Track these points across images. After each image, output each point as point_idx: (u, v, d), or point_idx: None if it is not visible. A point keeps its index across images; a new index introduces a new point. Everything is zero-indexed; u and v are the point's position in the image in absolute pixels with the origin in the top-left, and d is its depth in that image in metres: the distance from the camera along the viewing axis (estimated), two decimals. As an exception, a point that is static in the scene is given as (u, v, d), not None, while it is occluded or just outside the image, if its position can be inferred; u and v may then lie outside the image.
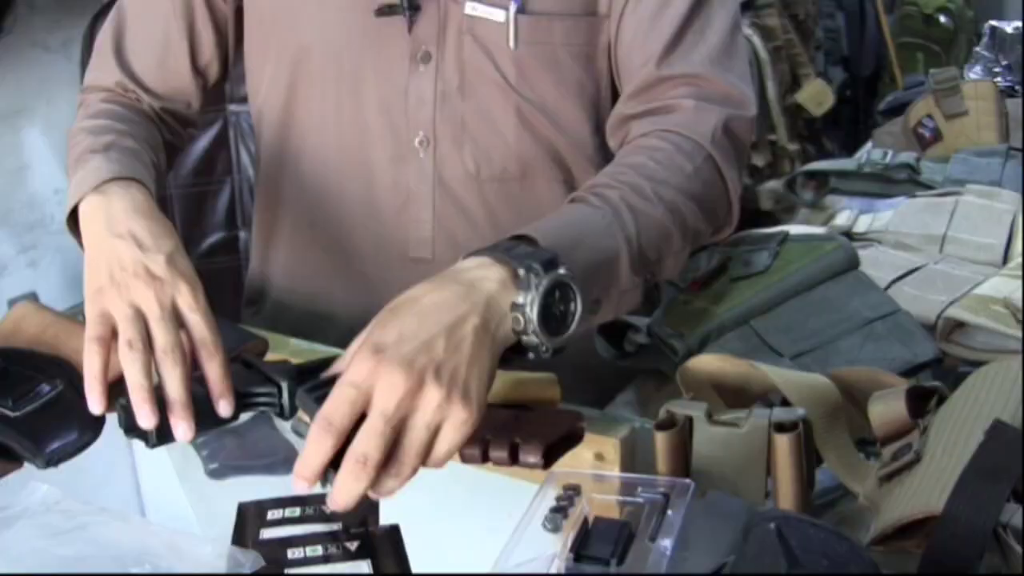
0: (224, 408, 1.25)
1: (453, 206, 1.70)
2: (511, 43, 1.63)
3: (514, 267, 1.19)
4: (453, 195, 1.69)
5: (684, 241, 1.47)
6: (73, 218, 1.50)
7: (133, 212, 1.40)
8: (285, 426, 1.42)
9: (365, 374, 1.08)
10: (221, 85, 1.91)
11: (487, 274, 1.19)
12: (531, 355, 1.21)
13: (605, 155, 1.73)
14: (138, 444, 1.57)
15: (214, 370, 1.27)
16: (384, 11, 1.63)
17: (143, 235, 1.36)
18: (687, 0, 1.60)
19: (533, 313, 1.17)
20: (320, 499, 1.22)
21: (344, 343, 1.20)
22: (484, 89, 1.66)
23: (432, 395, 1.08)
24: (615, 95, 1.70)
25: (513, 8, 1.61)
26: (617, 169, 1.49)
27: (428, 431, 1.08)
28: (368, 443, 1.05)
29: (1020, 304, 1.57)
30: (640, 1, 1.62)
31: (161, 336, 1.27)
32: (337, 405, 1.07)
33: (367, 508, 1.17)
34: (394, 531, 1.17)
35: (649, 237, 1.41)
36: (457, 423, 1.09)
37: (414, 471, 1.08)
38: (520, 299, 1.18)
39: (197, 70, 1.78)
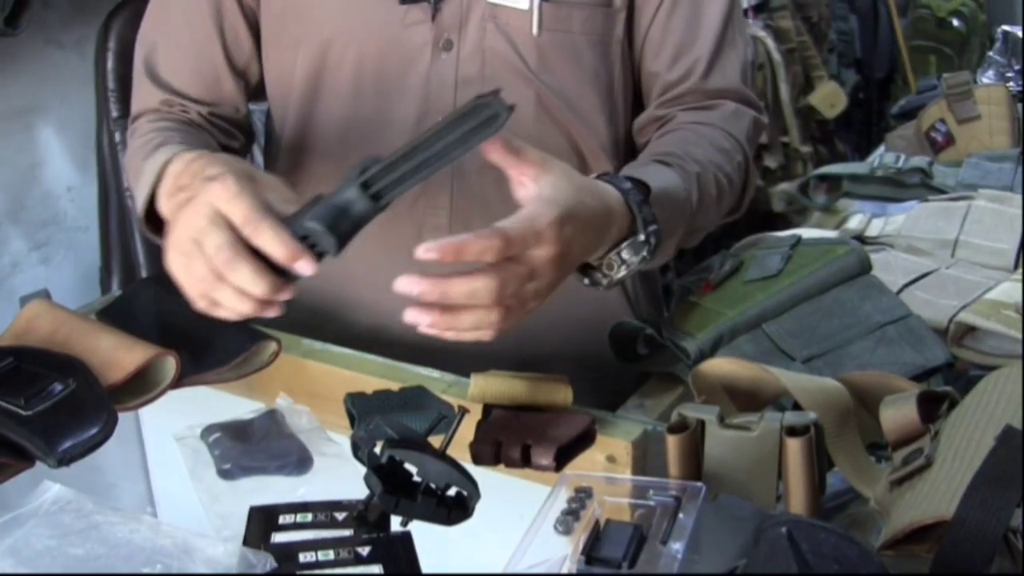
0: (304, 267, 1.24)
1: (470, 193, 1.70)
2: (535, 30, 1.65)
3: (639, 231, 1.40)
4: (470, 182, 1.70)
5: (708, 225, 1.63)
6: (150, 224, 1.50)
7: (180, 173, 1.39)
8: (298, 426, 1.42)
9: (547, 240, 1.25)
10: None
11: (621, 221, 1.39)
12: (585, 280, 1.44)
13: (617, 145, 1.77)
14: (150, 443, 1.59)
15: (267, 240, 1.24)
16: None
17: (187, 179, 1.36)
18: (719, 16, 1.70)
19: (621, 271, 1.41)
20: (330, 505, 1.22)
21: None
22: (505, 76, 1.67)
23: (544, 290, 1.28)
24: (625, 85, 1.75)
25: None
26: (693, 141, 1.62)
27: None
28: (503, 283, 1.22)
29: (1028, 308, 1.58)
30: (673, 14, 1.69)
31: (209, 243, 1.26)
32: (521, 237, 1.23)
33: (383, 512, 1.18)
34: (405, 536, 1.17)
35: (701, 222, 1.57)
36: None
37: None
38: (625, 255, 1.40)
39: (236, 72, 1.77)
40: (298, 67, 1.74)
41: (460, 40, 1.66)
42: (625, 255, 1.40)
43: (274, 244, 1.23)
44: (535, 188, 1.29)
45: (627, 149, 1.79)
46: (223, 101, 1.77)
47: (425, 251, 1.17)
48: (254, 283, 1.24)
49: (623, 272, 1.41)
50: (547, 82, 1.68)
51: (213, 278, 1.26)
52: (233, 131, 1.79)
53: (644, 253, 1.40)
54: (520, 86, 1.68)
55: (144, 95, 1.76)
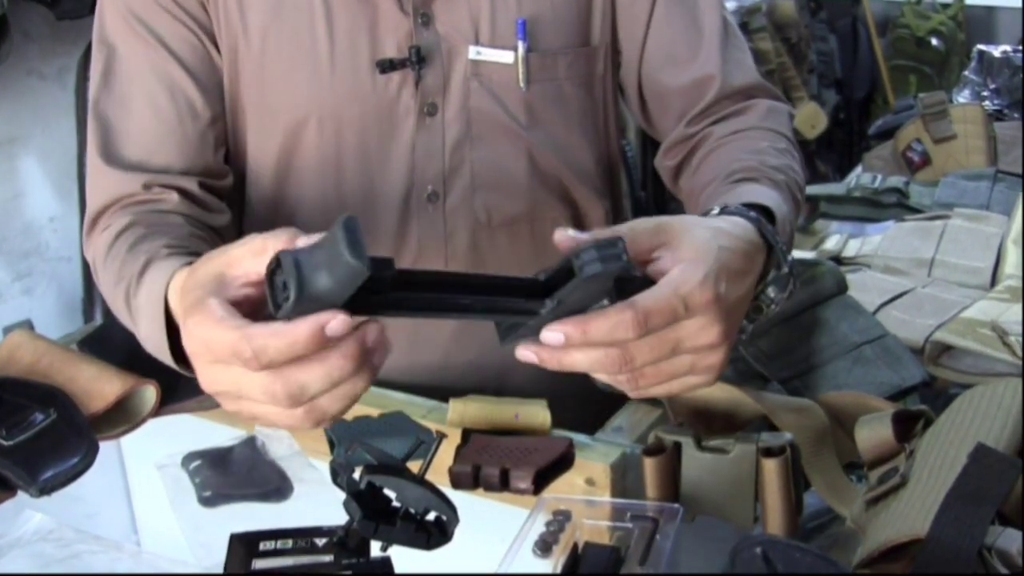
0: (335, 327, 0.97)
1: (464, 256, 1.64)
2: (522, 84, 1.60)
3: (782, 264, 1.24)
4: (464, 246, 1.65)
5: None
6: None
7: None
8: (278, 452, 1.43)
9: (699, 306, 1.07)
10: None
11: (761, 255, 1.22)
12: None
13: (606, 184, 1.75)
14: (132, 472, 1.59)
15: (274, 349, 0.99)
16: (387, 67, 1.56)
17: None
18: (716, 13, 1.64)
19: (770, 312, 1.25)
20: (310, 532, 1.23)
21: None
22: (493, 135, 1.62)
23: (717, 357, 1.11)
24: (608, 120, 1.72)
25: (523, 48, 1.58)
26: (759, 149, 1.50)
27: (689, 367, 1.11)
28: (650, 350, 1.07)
29: (1007, 327, 1.58)
30: (663, 19, 1.63)
31: (256, 394, 1.03)
32: (662, 309, 1.05)
33: (362, 537, 1.19)
34: (385, 561, 1.17)
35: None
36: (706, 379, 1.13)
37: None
38: (772, 294, 1.24)
39: (218, 131, 1.61)
40: (264, 148, 1.63)
41: (444, 103, 1.59)
42: (772, 293, 1.25)
43: (279, 343, 0.99)
44: (669, 254, 1.11)
45: (613, 184, 1.78)
46: (211, 167, 1.60)
47: (550, 333, 1.02)
48: (330, 376, 1.01)
49: (771, 312, 1.26)
50: (538, 135, 1.63)
51: (306, 415, 1.04)
52: (221, 204, 1.61)
53: (790, 287, 1.25)
54: (510, 143, 1.63)
55: (111, 183, 1.56)
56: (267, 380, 1.00)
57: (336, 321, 0.97)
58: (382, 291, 0.98)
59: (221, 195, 1.62)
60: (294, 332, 0.97)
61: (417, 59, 1.56)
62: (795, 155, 1.56)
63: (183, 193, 1.55)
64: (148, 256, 1.37)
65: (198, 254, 1.29)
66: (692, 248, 1.10)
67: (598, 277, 1.00)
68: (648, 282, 1.06)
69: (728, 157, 1.50)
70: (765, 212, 1.29)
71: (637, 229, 1.11)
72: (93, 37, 1.61)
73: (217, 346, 1.01)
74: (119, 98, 1.58)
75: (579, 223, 1.71)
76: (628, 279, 1.05)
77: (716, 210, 1.27)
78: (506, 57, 1.59)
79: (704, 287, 1.07)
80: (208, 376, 1.05)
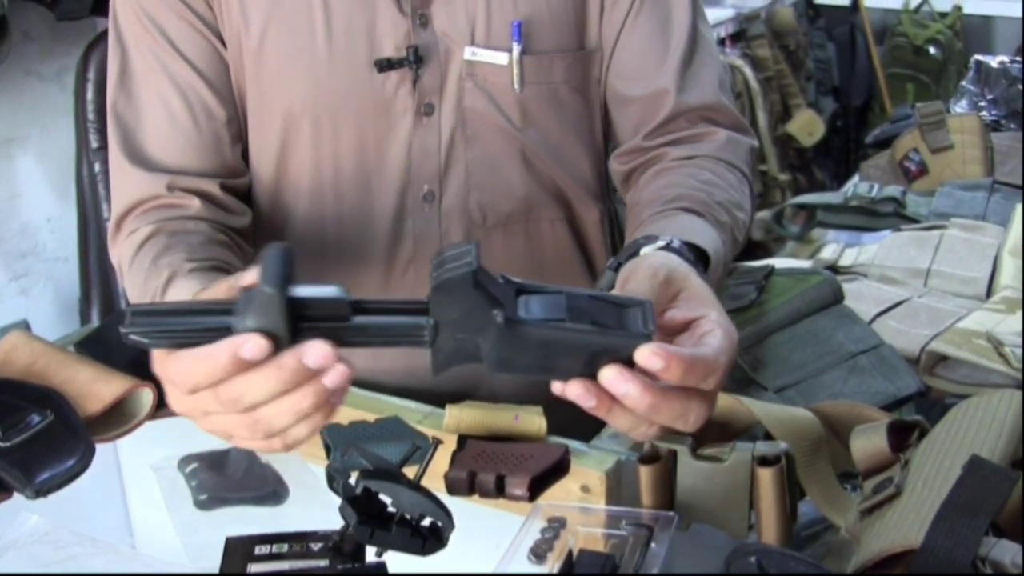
0: (252, 350, 0.99)
1: None
2: (516, 85, 1.60)
3: None
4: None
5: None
6: None
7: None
8: (274, 456, 1.43)
9: (702, 378, 1.07)
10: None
11: None
12: None
13: (600, 186, 1.75)
14: (128, 474, 1.59)
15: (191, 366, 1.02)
16: (385, 66, 1.57)
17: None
18: (685, 25, 1.63)
19: None
20: (306, 536, 1.23)
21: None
22: (488, 135, 1.63)
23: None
24: (603, 123, 1.72)
25: (517, 49, 1.59)
26: (709, 182, 1.51)
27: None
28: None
29: (1003, 338, 1.59)
30: (634, 30, 1.63)
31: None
32: (692, 367, 1.05)
33: (357, 543, 1.19)
34: (380, 567, 1.18)
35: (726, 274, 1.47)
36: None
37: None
38: None
39: (233, 132, 1.63)
40: (262, 144, 1.64)
41: (441, 103, 1.60)
42: None
43: (199, 366, 1.01)
44: (685, 304, 1.15)
45: (608, 186, 1.78)
46: (230, 166, 1.63)
47: (651, 355, 1.02)
48: (265, 385, 1.01)
49: None
50: (532, 137, 1.64)
51: (253, 427, 1.05)
52: (242, 206, 1.63)
53: None
54: (504, 144, 1.64)
55: (133, 184, 1.59)
56: (210, 394, 1.02)
57: (251, 343, 0.98)
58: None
59: (243, 194, 1.65)
60: (212, 353, 1.00)
61: (415, 59, 1.57)
62: (746, 191, 1.57)
63: (204, 197, 1.58)
64: (171, 271, 1.41)
65: (219, 262, 1.42)
66: (714, 309, 1.14)
67: (448, 287, 1.01)
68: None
69: (676, 182, 1.52)
70: (701, 252, 1.33)
71: (654, 288, 1.15)
72: (109, 35, 1.63)
73: (164, 374, 1.05)
74: (134, 100, 1.61)
75: (574, 225, 1.72)
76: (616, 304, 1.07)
77: (662, 242, 1.29)
78: (500, 58, 1.60)
79: (708, 365, 1.07)
80: (173, 401, 1.08)
